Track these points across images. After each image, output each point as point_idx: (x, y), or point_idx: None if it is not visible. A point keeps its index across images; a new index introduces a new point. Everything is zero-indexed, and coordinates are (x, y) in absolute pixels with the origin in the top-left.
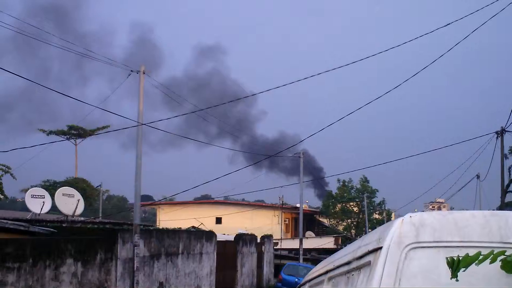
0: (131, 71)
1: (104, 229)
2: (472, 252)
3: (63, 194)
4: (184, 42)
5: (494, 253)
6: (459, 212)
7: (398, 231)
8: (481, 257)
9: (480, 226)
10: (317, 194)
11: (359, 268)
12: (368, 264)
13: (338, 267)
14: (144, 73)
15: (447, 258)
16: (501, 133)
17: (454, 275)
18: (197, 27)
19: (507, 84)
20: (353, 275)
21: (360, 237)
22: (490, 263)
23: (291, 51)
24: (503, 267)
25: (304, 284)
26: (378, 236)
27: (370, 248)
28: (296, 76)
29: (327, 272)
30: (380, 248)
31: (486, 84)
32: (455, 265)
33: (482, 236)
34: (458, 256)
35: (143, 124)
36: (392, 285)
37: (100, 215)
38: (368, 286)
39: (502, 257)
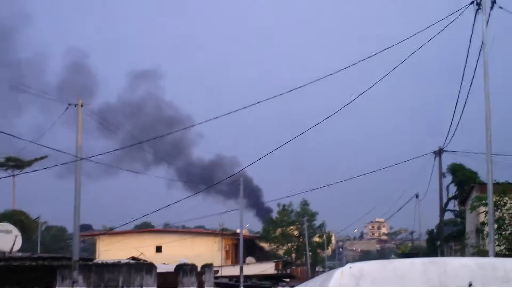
0: (69, 104)
1: (43, 266)
2: None
3: (0, 231)
4: (121, 67)
5: None
6: (399, 261)
7: (338, 282)
8: None
9: (419, 274)
10: (259, 215)
11: None
12: None
13: None
14: (82, 106)
15: None
16: (438, 153)
17: None
18: (131, 51)
19: (445, 105)
20: None
21: (301, 261)
22: None
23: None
24: None
25: None
26: (319, 285)
27: None
28: (233, 98)
29: None
30: None
31: (425, 105)
32: None
33: (422, 283)
34: None
35: (82, 159)
36: None
37: (39, 248)
38: None
39: None
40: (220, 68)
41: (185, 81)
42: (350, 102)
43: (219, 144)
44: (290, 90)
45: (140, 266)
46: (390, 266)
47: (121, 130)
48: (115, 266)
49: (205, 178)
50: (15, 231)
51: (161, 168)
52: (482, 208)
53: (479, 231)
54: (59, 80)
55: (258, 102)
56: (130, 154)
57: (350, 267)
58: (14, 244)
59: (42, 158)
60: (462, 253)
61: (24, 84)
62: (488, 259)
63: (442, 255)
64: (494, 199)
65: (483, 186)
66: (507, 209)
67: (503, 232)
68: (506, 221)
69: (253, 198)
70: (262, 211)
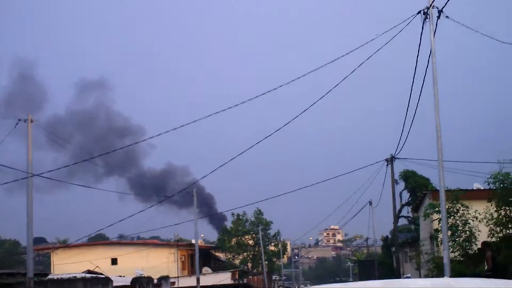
0: (19, 120)
1: None
2: None
3: None
4: (68, 77)
5: None
6: (357, 283)
7: None
8: None
9: None
10: (213, 223)
11: None
12: None
13: None
14: (31, 121)
15: None
16: (391, 160)
17: None
18: (79, 62)
19: (397, 113)
20: None
21: (257, 270)
22: None
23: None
24: None
25: None
26: None
27: None
28: (185, 102)
29: None
30: None
31: (378, 112)
32: None
33: None
34: None
35: (33, 175)
36: None
37: None
38: None
39: None
40: (169, 77)
41: (134, 90)
42: (301, 113)
43: (170, 153)
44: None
45: (96, 280)
46: None
47: (71, 142)
48: (71, 281)
49: (157, 188)
50: None
51: (113, 179)
52: (436, 215)
53: (433, 237)
54: (6, 92)
55: (204, 117)
56: (82, 167)
57: None
58: None
59: None
60: (417, 259)
61: None
62: (443, 279)
63: (398, 261)
64: (447, 206)
65: (435, 193)
66: (459, 216)
67: (457, 239)
68: (460, 228)
69: (206, 206)
70: (216, 219)
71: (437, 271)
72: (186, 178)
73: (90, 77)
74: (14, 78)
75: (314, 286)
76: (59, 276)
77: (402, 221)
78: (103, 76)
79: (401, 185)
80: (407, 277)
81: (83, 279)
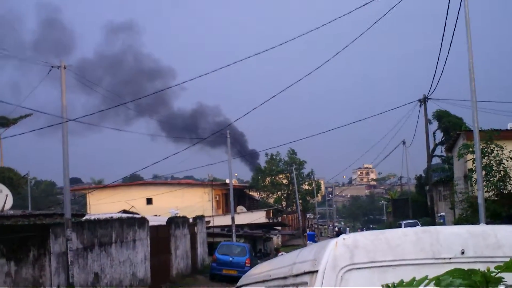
0: (52, 66)
1: (36, 225)
2: (406, 271)
3: None
4: (96, 20)
5: (428, 277)
6: (392, 230)
7: (332, 254)
8: (415, 282)
9: (412, 243)
10: (246, 161)
11: (295, 285)
12: (305, 284)
13: (274, 279)
14: (65, 68)
15: (382, 285)
16: (423, 100)
17: None
18: (106, 4)
19: (430, 53)
20: None
21: (291, 209)
22: (425, 286)
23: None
24: (436, 285)
25: (240, 286)
26: (313, 257)
27: (306, 269)
28: (215, 47)
29: (264, 281)
30: (316, 271)
31: (411, 54)
32: None
33: (415, 253)
34: (393, 283)
35: (68, 120)
36: None
37: (29, 204)
38: None
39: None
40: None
41: (163, 32)
42: (336, 55)
43: (200, 93)
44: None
45: (133, 221)
46: (382, 236)
47: (101, 85)
48: (108, 222)
49: (189, 128)
50: (6, 190)
51: (144, 121)
52: (470, 156)
53: (467, 177)
54: (35, 38)
55: (248, 57)
56: (113, 109)
57: (344, 239)
58: (5, 203)
59: (27, 116)
60: (451, 198)
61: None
62: (480, 226)
63: (431, 200)
64: (481, 147)
65: (469, 133)
66: (494, 156)
67: (491, 179)
68: (494, 168)
69: (239, 144)
70: (248, 158)
71: (471, 210)
72: (217, 117)
73: (118, 20)
74: (42, 22)
75: (352, 234)
76: (95, 217)
77: (435, 161)
78: (132, 18)
79: (435, 125)
80: (441, 216)
81: (119, 219)
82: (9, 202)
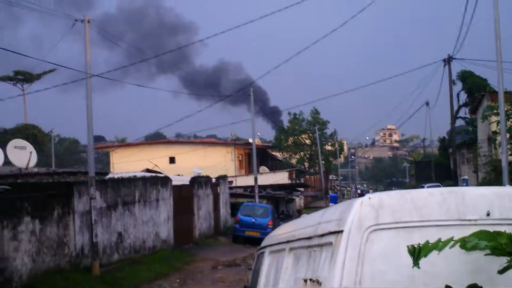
0: (75, 20)
1: (60, 183)
2: (431, 231)
3: (15, 147)
4: None
5: (453, 239)
6: (417, 191)
7: (358, 214)
8: (440, 244)
9: (437, 204)
10: (269, 121)
11: (320, 245)
12: (330, 244)
13: (299, 239)
14: (88, 22)
15: (407, 246)
16: (448, 60)
17: (416, 263)
18: None
19: (453, 12)
20: (315, 251)
21: (314, 170)
22: (450, 247)
23: None
24: (462, 247)
25: (264, 247)
26: (339, 216)
27: (331, 229)
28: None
29: (288, 241)
30: (341, 231)
31: (433, 13)
32: (416, 254)
33: (441, 214)
34: (419, 244)
35: (92, 75)
36: (355, 268)
37: (53, 161)
38: (331, 269)
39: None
40: None
41: None
42: (357, 14)
43: (222, 49)
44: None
45: (156, 180)
46: (408, 196)
47: (124, 40)
48: (131, 181)
49: (211, 85)
50: (30, 147)
51: (165, 77)
52: (494, 118)
53: (491, 140)
54: None
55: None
56: (135, 66)
57: (369, 198)
58: (29, 160)
59: (50, 71)
60: (474, 161)
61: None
62: (506, 188)
63: (455, 162)
64: (506, 109)
65: (494, 94)
66: None
67: None
68: None
69: (261, 102)
70: (271, 115)
71: (494, 174)
72: (239, 75)
73: None
74: None
75: (377, 193)
76: (119, 175)
77: (459, 123)
78: None
79: (459, 86)
80: (464, 180)
81: (142, 178)
82: (33, 160)
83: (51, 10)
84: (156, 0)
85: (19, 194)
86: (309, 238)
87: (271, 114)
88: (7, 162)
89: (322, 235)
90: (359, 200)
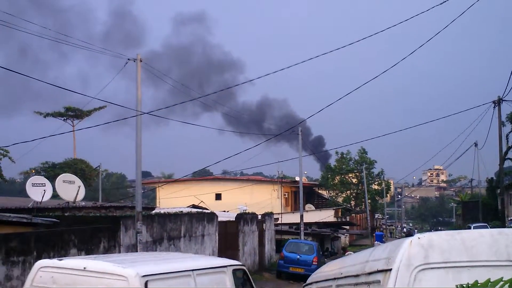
0: (128, 59)
1: (107, 217)
2: (480, 272)
3: (64, 181)
4: (166, 11)
5: (503, 279)
6: (467, 231)
7: (407, 253)
8: (490, 284)
9: (487, 245)
10: (318, 159)
11: (368, 283)
12: (378, 282)
13: (346, 277)
14: (141, 61)
15: (456, 286)
16: (498, 102)
17: None
18: None
19: (503, 54)
20: None
21: (360, 208)
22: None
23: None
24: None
25: (310, 283)
26: (387, 255)
27: (380, 267)
28: (284, 44)
29: (335, 278)
30: (390, 269)
31: (484, 55)
32: None
33: (490, 255)
34: (468, 284)
35: (143, 113)
36: None
37: (100, 195)
38: None
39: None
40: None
41: (233, 24)
42: (403, 59)
43: (270, 87)
44: (342, 46)
45: (202, 216)
46: (458, 236)
47: (171, 78)
48: (177, 216)
49: (258, 123)
50: (78, 182)
51: (211, 115)
52: None
53: None
54: (105, 29)
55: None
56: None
57: (419, 238)
58: (77, 194)
59: (100, 108)
60: None
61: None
62: None
63: (502, 203)
64: None
65: None
66: None
67: None
68: None
69: (313, 145)
70: (321, 157)
71: None
72: (286, 114)
73: (188, 11)
74: (113, 13)
75: (427, 233)
76: (165, 210)
77: (508, 164)
78: (203, 9)
79: (508, 127)
80: (511, 220)
81: (188, 214)
82: (81, 194)
83: (103, 50)
84: (204, 37)
85: (66, 227)
86: (356, 276)
87: (321, 156)
88: (55, 195)
89: (370, 273)
90: (409, 239)
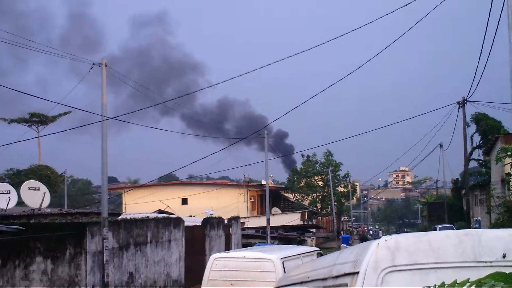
0: (93, 64)
1: (73, 224)
2: (447, 273)
3: (29, 188)
4: (124, 13)
5: (469, 280)
6: (434, 233)
7: (374, 256)
8: (456, 285)
9: (453, 246)
10: (285, 165)
11: (335, 287)
12: (345, 285)
13: (313, 280)
14: (106, 65)
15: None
16: (462, 103)
17: None
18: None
19: (467, 54)
20: None
21: (326, 211)
22: None
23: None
24: (478, 287)
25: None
26: (354, 258)
27: (347, 270)
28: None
29: (302, 282)
30: (357, 272)
31: (447, 56)
32: None
33: (456, 256)
34: (435, 285)
35: (108, 118)
36: None
37: (66, 202)
38: None
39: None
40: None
41: (195, 25)
42: (372, 59)
43: (234, 89)
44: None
45: (168, 221)
46: (425, 238)
47: (131, 81)
48: (144, 222)
49: (223, 126)
50: (43, 188)
51: (174, 118)
52: (508, 159)
53: (505, 181)
54: (64, 34)
55: (280, 60)
56: (142, 106)
57: (386, 240)
58: (43, 201)
59: (65, 113)
60: (488, 202)
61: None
62: None
63: (468, 204)
64: None
65: (508, 136)
66: None
67: None
68: None
69: (278, 146)
70: (286, 158)
71: (508, 215)
72: (247, 112)
73: (147, 12)
74: (69, 16)
75: (394, 235)
76: (131, 216)
77: (472, 164)
78: (162, 9)
79: (472, 128)
80: (476, 221)
81: (155, 219)
82: (47, 200)
83: (61, 54)
84: (164, 39)
85: (32, 234)
86: (323, 279)
87: (286, 158)
88: (20, 202)
89: (337, 277)
90: (376, 242)
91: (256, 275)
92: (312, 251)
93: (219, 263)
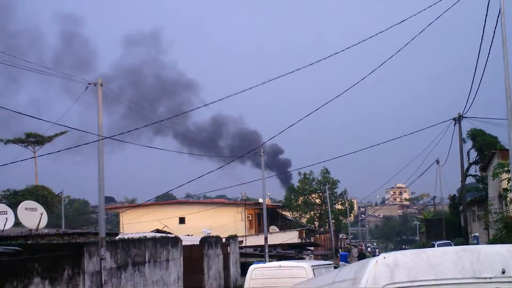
0: (89, 83)
1: (70, 244)
2: None
3: (26, 208)
4: (117, 31)
5: None
6: (432, 250)
7: (373, 273)
8: None
9: (453, 263)
10: (280, 179)
11: None
12: None
13: None
14: (101, 85)
15: None
16: (458, 119)
17: None
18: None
19: (463, 71)
20: None
21: (324, 229)
22: None
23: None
24: None
25: None
26: (354, 275)
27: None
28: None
29: None
30: None
31: (443, 73)
32: None
33: (456, 272)
34: None
35: (104, 138)
36: None
37: (63, 222)
38: None
39: None
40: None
41: (188, 44)
42: (369, 75)
43: (226, 108)
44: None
45: (166, 240)
46: (424, 255)
47: (126, 99)
48: (142, 241)
49: (213, 141)
50: (40, 209)
51: (163, 137)
52: (505, 175)
53: (502, 197)
54: (55, 51)
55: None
56: (136, 125)
57: (384, 257)
58: (40, 221)
59: (62, 133)
60: (485, 218)
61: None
62: None
63: (465, 220)
64: None
65: (504, 152)
66: None
67: None
68: None
69: (277, 167)
70: (283, 175)
71: (506, 231)
72: (248, 133)
73: (140, 30)
74: (62, 36)
75: (393, 252)
76: (129, 236)
77: (469, 180)
78: (155, 27)
79: (469, 144)
80: (474, 236)
81: (153, 239)
82: (44, 221)
83: (55, 74)
84: (158, 58)
85: (30, 255)
86: None
87: (283, 176)
88: (17, 223)
89: None
90: (374, 259)
91: (291, 281)
92: (330, 264)
93: (258, 272)
